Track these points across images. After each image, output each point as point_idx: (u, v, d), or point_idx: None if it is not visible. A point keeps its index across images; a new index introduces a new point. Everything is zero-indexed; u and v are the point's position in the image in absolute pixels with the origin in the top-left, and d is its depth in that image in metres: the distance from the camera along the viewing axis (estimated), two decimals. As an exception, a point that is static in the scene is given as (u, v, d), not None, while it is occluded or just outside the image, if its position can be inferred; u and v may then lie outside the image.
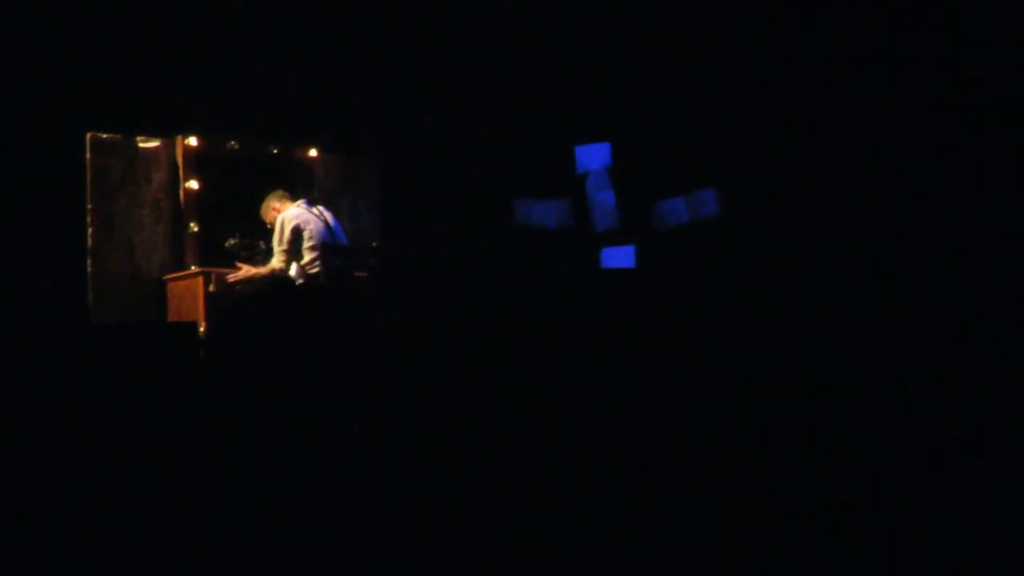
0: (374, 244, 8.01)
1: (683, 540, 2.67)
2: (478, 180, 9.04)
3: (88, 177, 7.73)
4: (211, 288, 7.63)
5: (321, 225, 7.70)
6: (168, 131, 8.15)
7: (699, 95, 8.39)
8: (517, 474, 2.74)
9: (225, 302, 7.44)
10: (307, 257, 7.59)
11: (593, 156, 9.13)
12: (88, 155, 7.75)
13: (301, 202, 7.78)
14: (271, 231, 7.70)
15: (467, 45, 8.99)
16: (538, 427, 3.02)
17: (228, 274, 7.65)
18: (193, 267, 7.91)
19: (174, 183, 8.16)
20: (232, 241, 8.03)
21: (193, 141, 8.18)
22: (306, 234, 7.58)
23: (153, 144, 8.11)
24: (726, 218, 8.56)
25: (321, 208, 7.84)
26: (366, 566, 2.20)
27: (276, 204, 7.78)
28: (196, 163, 8.21)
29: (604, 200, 9.00)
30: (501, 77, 9.06)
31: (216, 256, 8.01)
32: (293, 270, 7.60)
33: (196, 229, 8.13)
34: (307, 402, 2.67)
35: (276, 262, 7.59)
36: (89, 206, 7.73)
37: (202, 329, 7.26)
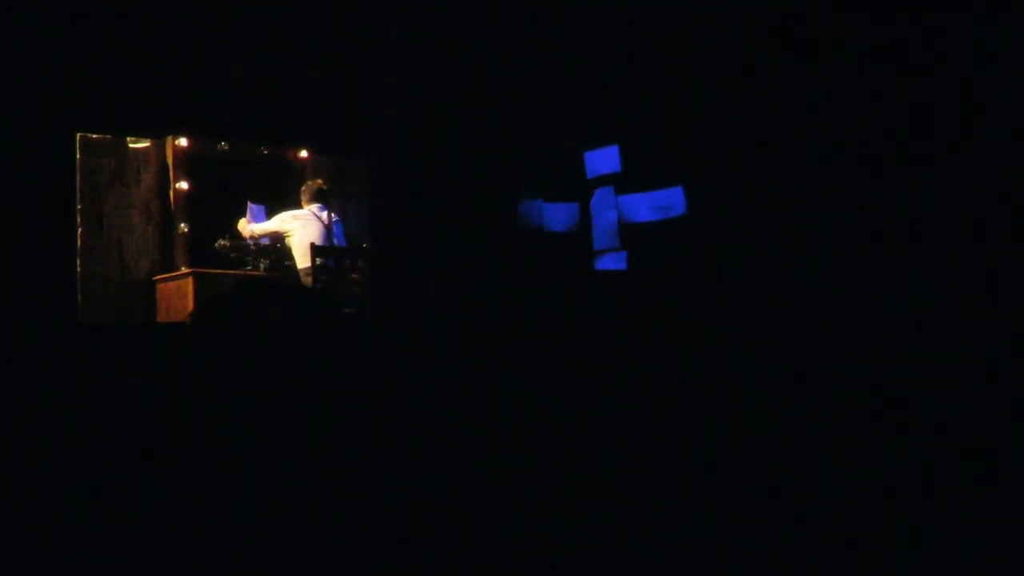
0: (364, 246, 8.01)
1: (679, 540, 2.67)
2: (473, 181, 9.03)
3: (78, 177, 7.72)
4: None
5: (315, 229, 7.74)
6: (158, 132, 8.14)
7: (698, 98, 8.40)
8: (517, 474, 2.74)
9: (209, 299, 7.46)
10: (295, 259, 7.70)
11: (601, 161, 9.12)
12: (78, 155, 7.74)
13: (315, 206, 7.85)
14: None
15: (461, 44, 8.98)
16: (536, 427, 3.03)
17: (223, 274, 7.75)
18: (183, 268, 7.90)
19: (164, 184, 8.16)
20: (222, 242, 8.03)
21: (183, 142, 8.17)
22: (295, 238, 7.70)
23: (143, 145, 8.11)
24: (701, 218, 8.58)
25: (332, 215, 7.90)
26: (365, 567, 2.20)
27: (302, 196, 8.06)
28: (186, 164, 8.21)
29: (607, 219, 9.02)
30: (497, 77, 9.05)
31: (206, 257, 8.01)
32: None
33: (186, 230, 8.13)
34: (299, 404, 2.66)
35: (252, 228, 7.99)
36: (79, 206, 7.72)
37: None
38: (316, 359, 2.52)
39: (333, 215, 7.96)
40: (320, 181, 8.07)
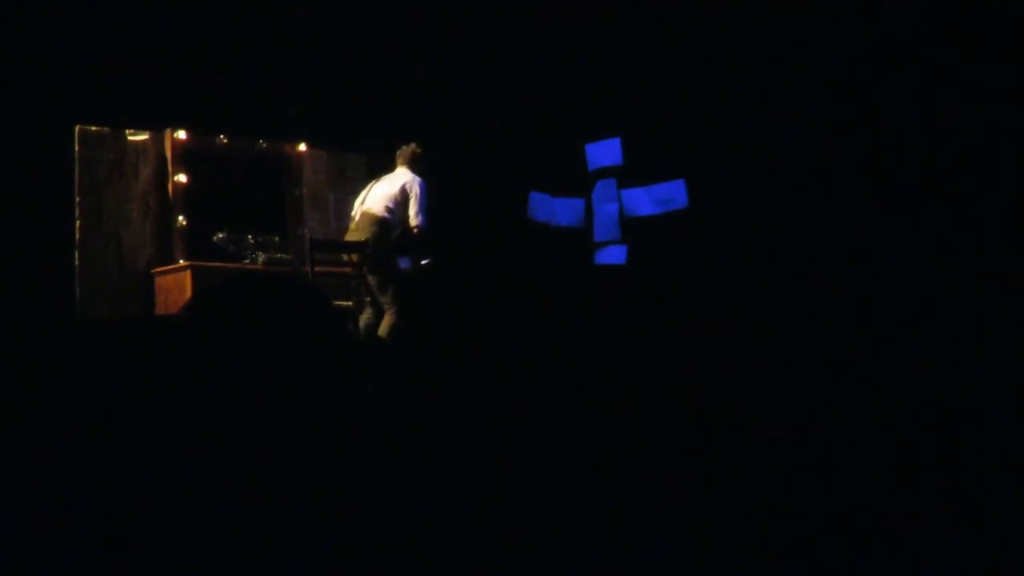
0: (364, 240, 7.97)
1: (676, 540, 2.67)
2: (470, 176, 9.02)
3: (76, 170, 7.70)
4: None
5: (372, 190, 7.59)
6: (157, 125, 8.12)
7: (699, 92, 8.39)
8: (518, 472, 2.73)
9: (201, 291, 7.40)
10: None
11: (603, 153, 9.12)
12: (76, 148, 7.72)
13: (403, 170, 7.58)
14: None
15: (458, 40, 8.97)
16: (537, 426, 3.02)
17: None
18: (181, 261, 7.89)
19: (162, 177, 8.13)
20: (220, 235, 8.02)
21: (182, 135, 8.15)
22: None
23: (142, 138, 8.09)
24: (704, 211, 8.58)
25: (395, 181, 7.56)
26: (365, 564, 2.19)
27: (397, 159, 7.69)
28: (184, 157, 8.19)
29: (608, 211, 9.02)
30: (494, 71, 9.04)
31: (204, 251, 7.99)
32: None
33: (184, 223, 8.11)
34: (290, 393, 2.65)
35: None
36: (77, 199, 7.70)
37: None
38: (304, 349, 2.51)
39: (410, 184, 7.49)
40: (415, 145, 7.67)
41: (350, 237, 7.48)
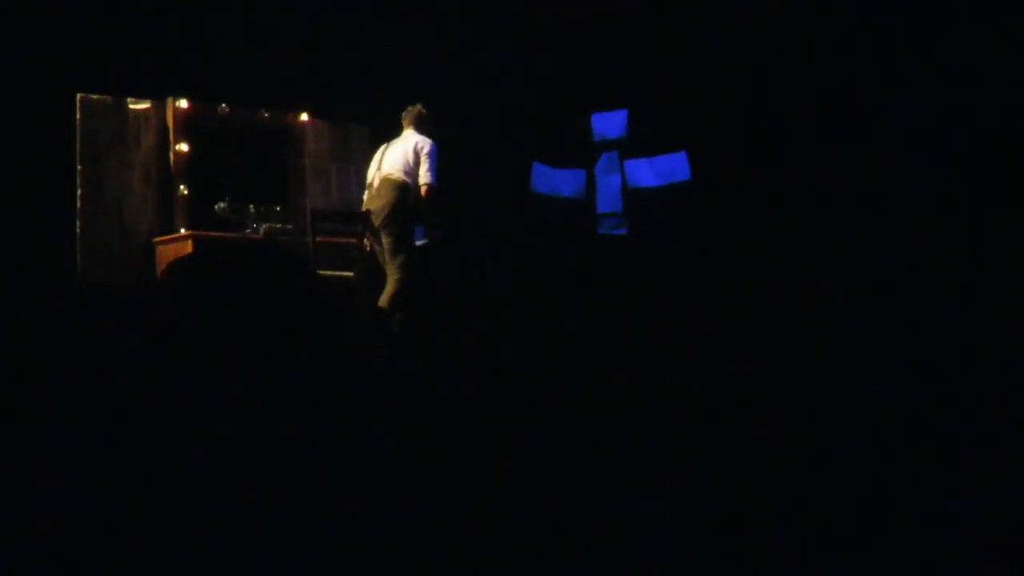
0: (365, 210, 7.96)
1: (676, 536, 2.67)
2: (474, 146, 9.00)
3: (77, 139, 7.68)
4: None
5: (388, 153, 7.58)
6: (159, 93, 8.08)
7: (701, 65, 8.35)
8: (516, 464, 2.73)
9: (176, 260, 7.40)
10: None
11: (609, 124, 9.12)
12: (78, 116, 7.69)
13: (410, 131, 7.65)
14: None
15: (463, 11, 8.93)
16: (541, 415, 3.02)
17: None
18: (182, 230, 7.88)
19: (164, 146, 8.10)
20: (222, 205, 8.01)
21: (184, 104, 8.12)
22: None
23: (144, 106, 8.06)
24: (705, 183, 8.58)
25: (407, 143, 7.59)
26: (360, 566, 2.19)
27: (403, 120, 7.75)
28: (186, 126, 8.16)
29: (611, 183, 9.02)
30: (501, 40, 9.00)
31: (205, 220, 7.98)
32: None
33: (186, 192, 8.09)
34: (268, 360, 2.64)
35: None
36: (78, 167, 7.67)
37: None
38: (281, 318, 2.50)
39: (421, 144, 7.51)
40: (420, 106, 7.72)
41: (369, 204, 7.56)
